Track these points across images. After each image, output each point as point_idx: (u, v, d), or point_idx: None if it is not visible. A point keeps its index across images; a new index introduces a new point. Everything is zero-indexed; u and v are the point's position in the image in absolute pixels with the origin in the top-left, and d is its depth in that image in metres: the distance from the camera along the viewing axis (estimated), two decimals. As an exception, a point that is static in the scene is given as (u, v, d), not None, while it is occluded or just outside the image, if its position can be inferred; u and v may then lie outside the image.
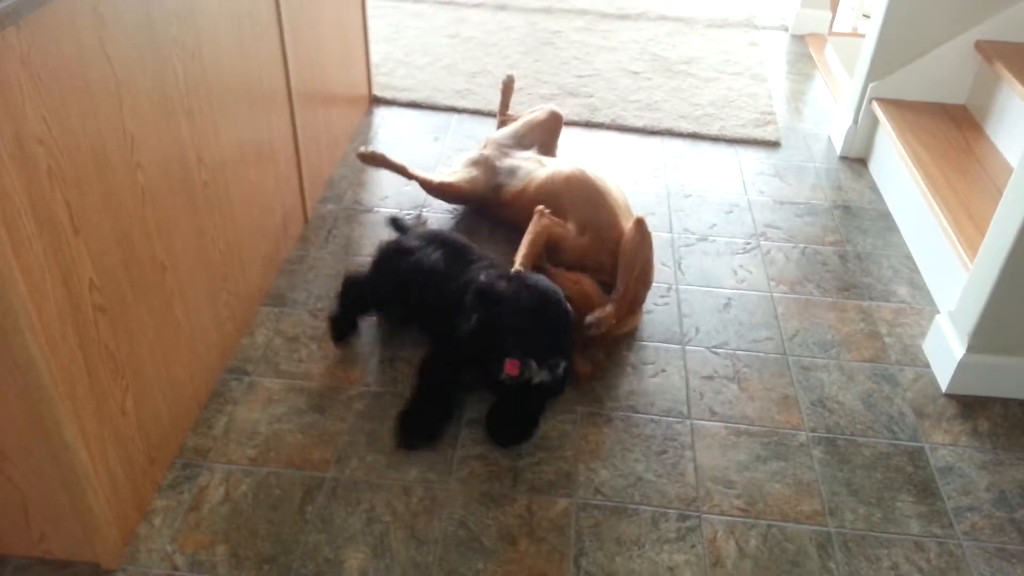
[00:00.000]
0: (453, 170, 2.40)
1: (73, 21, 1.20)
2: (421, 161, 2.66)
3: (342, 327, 1.92)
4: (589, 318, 1.83)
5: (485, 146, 2.45)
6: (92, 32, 1.25)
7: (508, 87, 2.70)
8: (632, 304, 1.99)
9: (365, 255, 2.23)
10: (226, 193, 1.76)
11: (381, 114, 2.93)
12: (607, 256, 2.00)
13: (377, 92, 3.02)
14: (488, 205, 2.35)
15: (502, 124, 2.65)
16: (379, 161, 2.39)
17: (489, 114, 2.92)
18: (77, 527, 1.39)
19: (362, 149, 2.38)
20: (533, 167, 2.28)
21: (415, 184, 2.41)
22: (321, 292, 2.09)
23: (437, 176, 2.38)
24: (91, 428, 1.33)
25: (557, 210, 2.09)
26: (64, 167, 1.20)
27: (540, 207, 2.06)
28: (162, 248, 1.51)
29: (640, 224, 1.99)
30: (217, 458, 1.66)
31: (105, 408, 1.37)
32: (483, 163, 2.36)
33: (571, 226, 2.06)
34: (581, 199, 2.10)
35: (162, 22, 1.45)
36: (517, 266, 1.90)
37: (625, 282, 1.94)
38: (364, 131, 2.82)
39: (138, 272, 1.43)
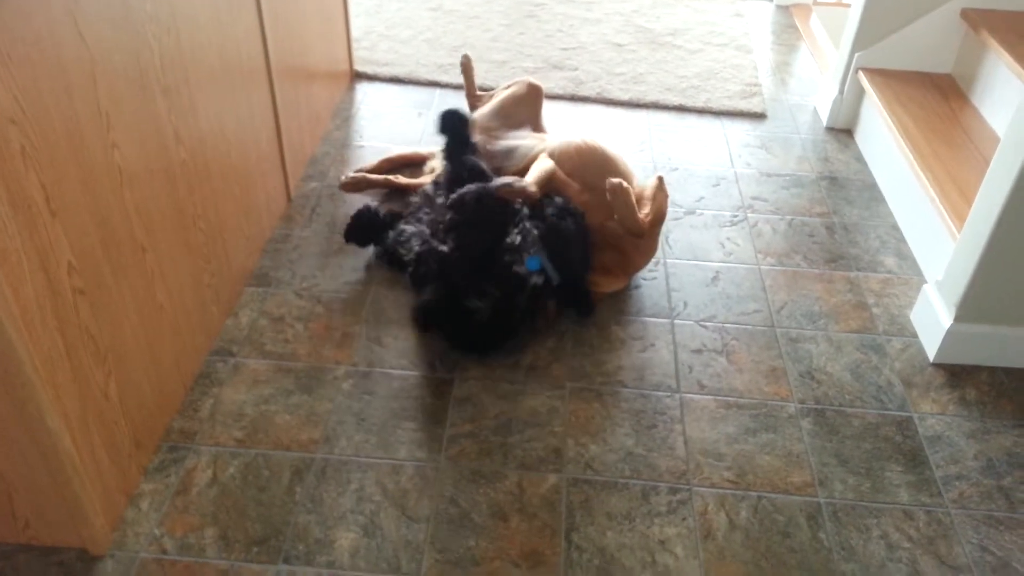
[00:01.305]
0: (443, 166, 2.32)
1: (43, -4, 1.16)
2: (406, 137, 2.63)
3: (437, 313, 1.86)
4: (613, 181, 1.94)
5: None
6: (63, 8, 1.21)
7: (467, 68, 2.57)
8: (649, 245, 2.04)
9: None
10: (206, 172, 1.73)
11: (363, 89, 2.89)
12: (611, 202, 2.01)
13: (359, 67, 2.97)
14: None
15: (474, 106, 2.56)
16: (364, 184, 2.34)
17: (473, 88, 2.88)
18: (63, 513, 1.38)
19: (342, 179, 2.33)
20: (533, 143, 2.24)
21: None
22: (306, 271, 2.07)
23: (429, 178, 2.30)
24: (74, 413, 1.31)
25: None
26: (38, 148, 1.17)
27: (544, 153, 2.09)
28: (142, 229, 1.48)
29: (662, 180, 2.08)
30: (204, 440, 1.64)
31: (88, 393, 1.35)
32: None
33: (576, 185, 2.05)
34: (592, 167, 2.08)
35: (136, -3, 1.41)
36: (527, 181, 1.93)
37: (652, 208, 2.01)
38: (346, 107, 2.78)
39: (118, 254, 1.41)
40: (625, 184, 1.95)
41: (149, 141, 1.49)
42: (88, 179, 1.30)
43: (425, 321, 1.83)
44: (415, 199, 2.17)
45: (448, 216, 1.86)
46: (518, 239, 1.80)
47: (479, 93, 2.61)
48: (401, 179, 2.36)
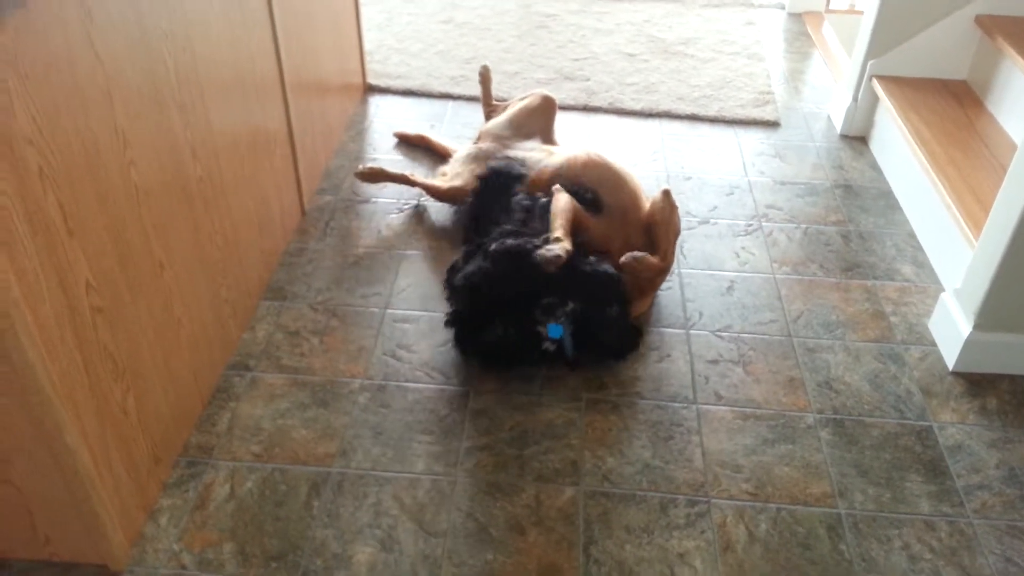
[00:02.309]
0: (455, 171, 2.33)
1: (60, 18, 1.17)
2: (419, 149, 2.63)
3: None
4: (627, 257, 1.90)
5: (479, 139, 2.41)
6: (80, 28, 1.22)
7: (485, 78, 2.66)
8: (665, 268, 2.00)
9: (364, 246, 2.21)
10: (222, 187, 1.74)
11: (376, 102, 2.91)
12: (636, 234, 2.00)
13: (371, 80, 2.99)
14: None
15: (490, 115, 2.61)
16: (380, 176, 2.37)
17: (485, 100, 2.89)
18: (82, 529, 1.38)
19: (360, 168, 2.37)
20: (541, 156, 2.24)
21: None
22: (321, 285, 2.07)
23: (443, 181, 2.32)
24: (92, 430, 1.32)
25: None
26: (56, 168, 1.18)
27: (556, 185, 2.03)
28: (159, 246, 1.49)
29: (668, 193, 2.03)
30: (221, 455, 1.64)
31: (106, 409, 1.35)
32: (484, 158, 2.31)
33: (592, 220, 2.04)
34: (601, 182, 2.08)
35: (151, 15, 1.42)
36: (557, 234, 1.86)
37: (664, 243, 1.97)
38: (359, 120, 2.79)
39: (135, 271, 1.41)
40: (637, 255, 1.90)
41: (165, 158, 1.50)
42: (105, 197, 1.31)
43: (457, 297, 1.84)
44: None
45: (482, 263, 1.83)
46: (549, 302, 1.78)
47: (495, 103, 2.63)
48: (418, 177, 2.37)
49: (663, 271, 1.98)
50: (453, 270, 1.90)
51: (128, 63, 1.36)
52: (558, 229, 1.86)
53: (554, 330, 1.77)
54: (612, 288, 1.85)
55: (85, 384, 1.29)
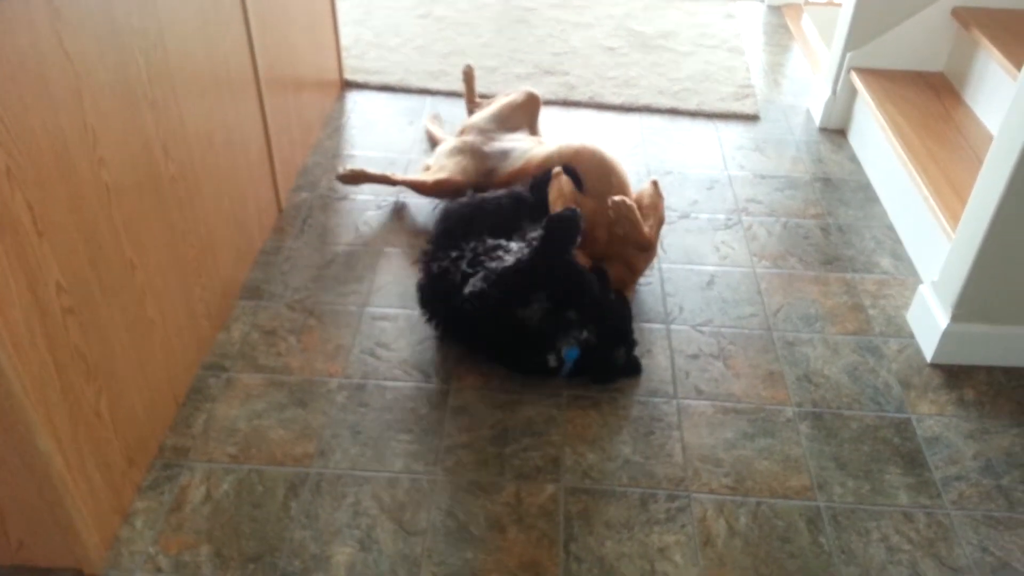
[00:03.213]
0: (439, 164, 2.32)
1: (27, 15, 1.15)
2: (397, 146, 2.62)
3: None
4: (616, 198, 1.91)
5: (463, 132, 2.40)
6: (48, 26, 1.20)
7: (469, 76, 2.66)
8: (649, 247, 2.00)
9: (342, 244, 2.20)
10: (196, 186, 1.72)
11: (353, 98, 2.88)
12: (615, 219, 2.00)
13: (348, 76, 2.96)
14: (480, 192, 2.31)
15: (472, 112, 2.60)
16: (361, 178, 2.35)
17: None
18: (56, 533, 1.36)
19: (340, 170, 2.34)
20: (530, 146, 2.24)
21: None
22: (298, 283, 2.06)
23: (428, 175, 2.30)
24: (65, 433, 1.30)
25: None
26: (24, 167, 1.16)
27: (557, 169, 2.04)
28: (131, 246, 1.47)
29: (656, 183, 2.07)
30: (197, 457, 1.63)
31: (79, 412, 1.33)
32: (468, 150, 2.30)
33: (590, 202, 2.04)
34: (592, 171, 2.07)
35: (122, 12, 1.40)
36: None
37: (650, 225, 1.98)
38: (336, 116, 2.77)
39: (107, 272, 1.39)
40: (629, 201, 1.93)
41: (137, 156, 1.48)
42: (75, 197, 1.29)
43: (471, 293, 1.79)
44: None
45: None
46: (571, 318, 1.78)
47: (478, 100, 2.62)
48: (398, 176, 2.35)
49: (646, 250, 1.98)
50: (436, 282, 1.86)
51: (98, 61, 1.34)
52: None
53: (571, 353, 1.77)
54: (626, 325, 1.86)
55: (57, 387, 1.27)
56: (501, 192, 2.08)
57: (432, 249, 1.92)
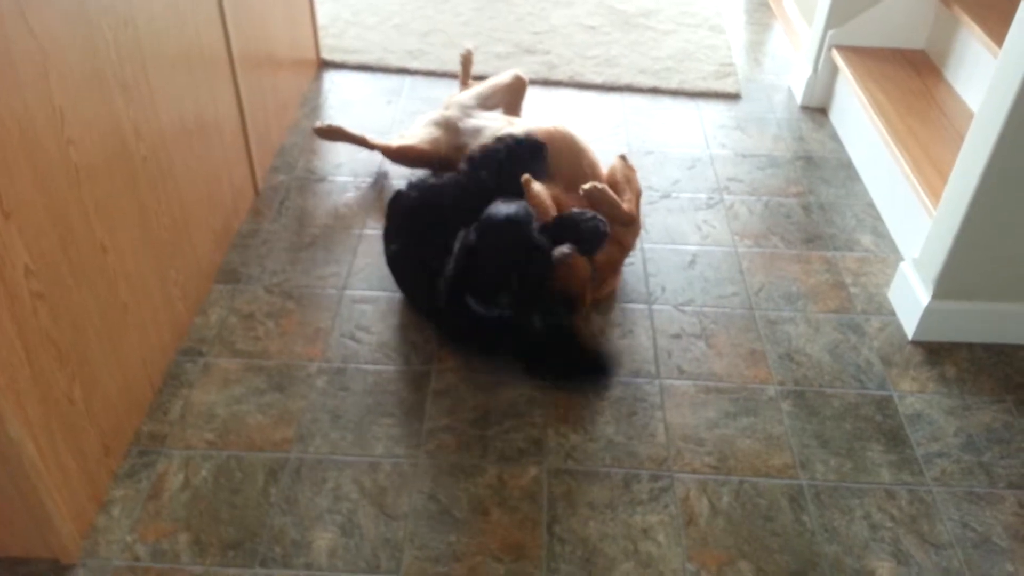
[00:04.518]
0: (412, 132, 2.32)
1: (-14, -11, 1.12)
2: (375, 126, 2.58)
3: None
4: (588, 185, 1.91)
5: (447, 107, 2.38)
6: (11, 3, 1.16)
7: (467, 60, 2.63)
8: (632, 222, 1.99)
9: (320, 226, 2.16)
10: (169, 167, 1.69)
11: (331, 78, 2.84)
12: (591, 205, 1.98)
13: (325, 55, 2.91)
14: (450, 167, 2.29)
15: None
16: (337, 134, 2.36)
17: (444, 75, 2.84)
18: (31, 523, 1.34)
19: (318, 124, 2.35)
20: (501, 126, 2.22)
21: (368, 151, 2.35)
22: (276, 266, 2.03)
23: (395, 140, 2.31)
24: (37, 420, 1.27)
25: None
26: (-13, 147, 1.13)
27: (525, 176, 1.99)
28: (102, 228, 1.43)
29: (624, 157, 2.07)
30: (175, 443, 1.60)
31: (51, 398, 1.30)
32: (444, 124, 2.29)
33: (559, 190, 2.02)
34: (562, 153, 2.05)
35: (87, -13, 1.36)
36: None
37: (628, 199, 1.97)
38: (314, 96, 2.73)
39: (77, 255, 1.36)
40: (599, 184, 1.91)
41: (107, 137, 1.44)
42: (43, 178, 1.26)
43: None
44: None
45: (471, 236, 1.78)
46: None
47: (471, 82, 2.59)
48: (376, 140, 2.35)
49: (630, 224, 1.97)
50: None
51: (65, 38, 1.30)
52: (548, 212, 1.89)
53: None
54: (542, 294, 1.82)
55: (27, 373, 1.24)
56: (462, 176, 2.02)
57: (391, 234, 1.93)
